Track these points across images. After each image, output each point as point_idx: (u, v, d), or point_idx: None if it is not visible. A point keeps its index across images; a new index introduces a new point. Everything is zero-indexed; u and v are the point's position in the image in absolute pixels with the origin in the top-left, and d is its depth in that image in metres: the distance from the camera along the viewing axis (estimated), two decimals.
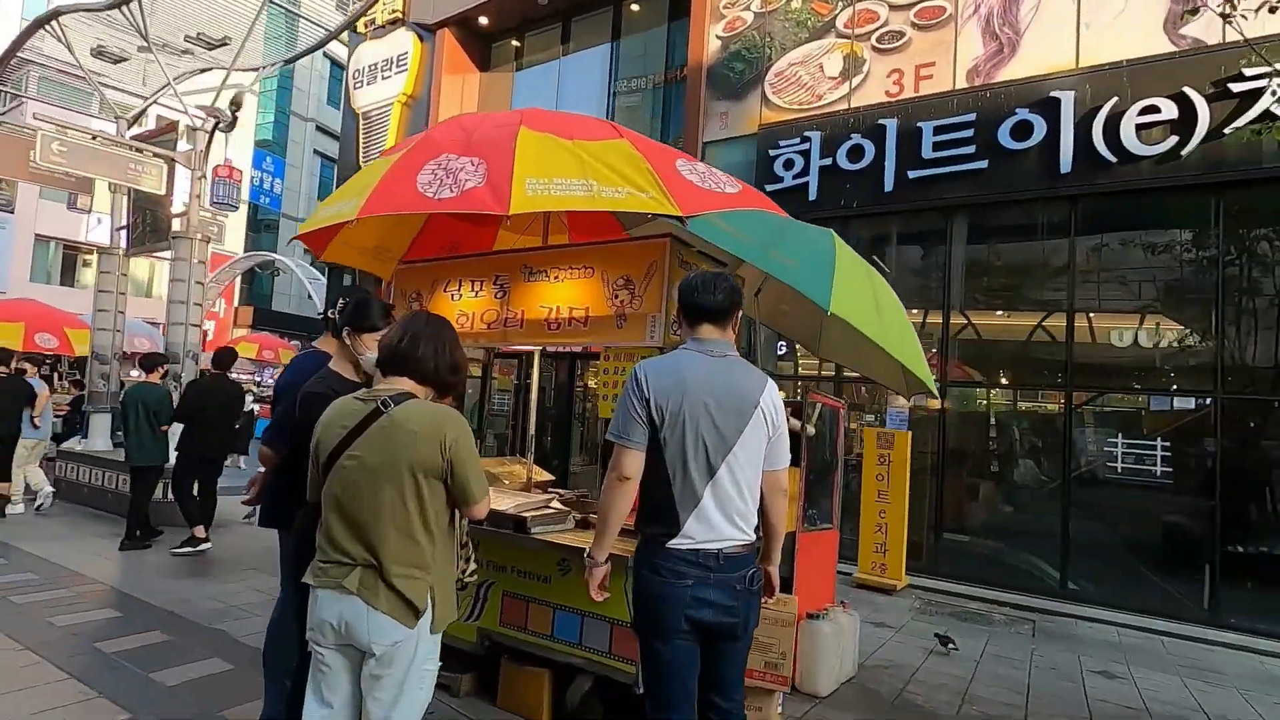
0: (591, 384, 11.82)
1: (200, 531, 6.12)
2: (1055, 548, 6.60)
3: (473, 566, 2.19)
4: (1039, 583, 6.62)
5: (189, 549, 6.00)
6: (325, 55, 28.74)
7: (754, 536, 2.03)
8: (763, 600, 2.10)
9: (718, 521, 1.95)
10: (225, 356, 6.57)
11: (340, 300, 2.60)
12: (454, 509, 1.91)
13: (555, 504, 3.23)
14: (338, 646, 1.82)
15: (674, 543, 1.94)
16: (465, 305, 3.52)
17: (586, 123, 2.97)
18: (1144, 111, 6.21)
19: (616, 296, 2.99)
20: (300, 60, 11.67)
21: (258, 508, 2.78)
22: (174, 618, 4.30)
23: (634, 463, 1.95)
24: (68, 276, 23.13)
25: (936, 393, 3.14)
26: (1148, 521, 6.36)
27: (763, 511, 2.08)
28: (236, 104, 8.24)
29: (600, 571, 2.07)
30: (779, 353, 8.44)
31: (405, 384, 1.92)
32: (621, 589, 2.71)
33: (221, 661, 3.63)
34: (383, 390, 1.90)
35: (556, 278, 3.22)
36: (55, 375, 16.15)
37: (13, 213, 21.30)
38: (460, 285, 3.55)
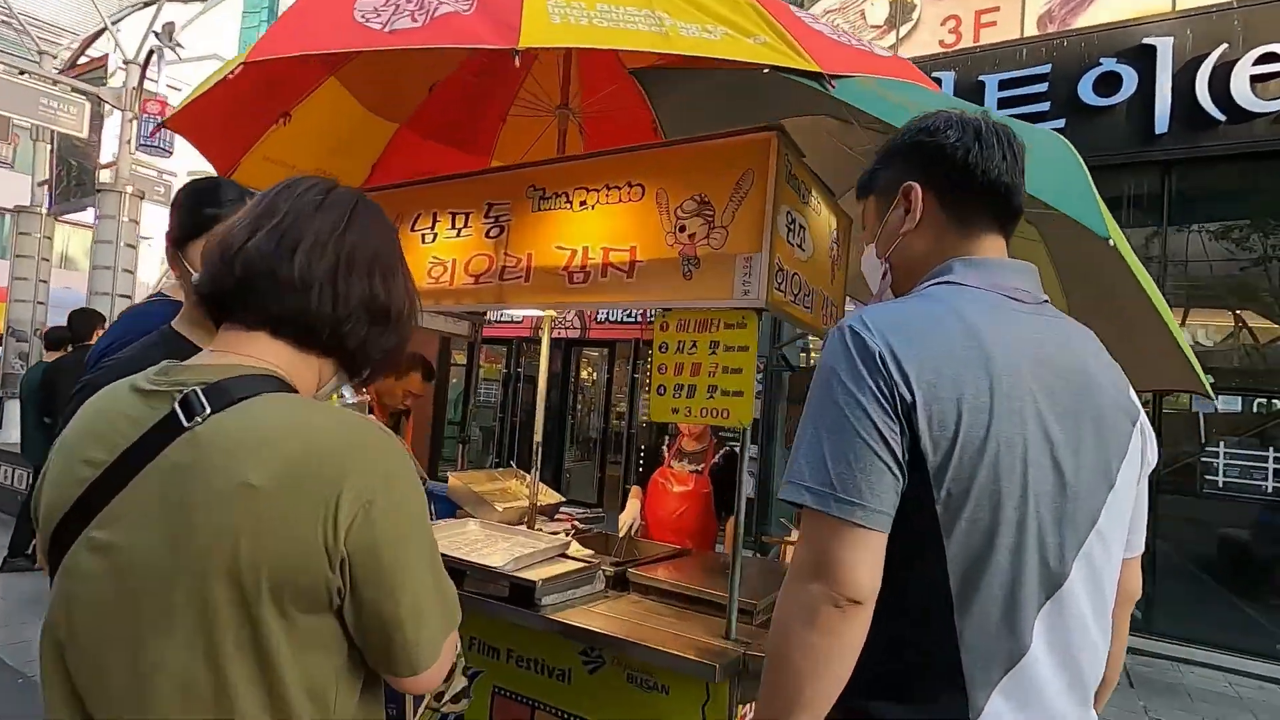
0: (584, 375, 10.52)
1: None
2: None
3: (458, 685, 1.10)
4: None
5: None
6: None
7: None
8: None
9: (1053, 689, 0.83)
10: (79, 320, 4.73)
11: None
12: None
13: (575, 549, 2.12)
14: None
15: None
16: (442, 249, 2.37)
17: None
18: (1261, 60, 5.26)
19: (683, 228, 1.87)
20: None
21: None
22: (29, 688, 3.11)
23: (871, 562, 0.79)
24: None
25: (1211, 392, 2.06)
26: (1256, 545, 5.40)
27: None
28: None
29: None
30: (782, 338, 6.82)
31: (254, 348, 0.74)
32: (699, 712, 1.62)
33: None
34: (195, 369, 0.72)
35: (584, 203, 2.05)
36: None
37: None
38: (435, 220, 2.39)
